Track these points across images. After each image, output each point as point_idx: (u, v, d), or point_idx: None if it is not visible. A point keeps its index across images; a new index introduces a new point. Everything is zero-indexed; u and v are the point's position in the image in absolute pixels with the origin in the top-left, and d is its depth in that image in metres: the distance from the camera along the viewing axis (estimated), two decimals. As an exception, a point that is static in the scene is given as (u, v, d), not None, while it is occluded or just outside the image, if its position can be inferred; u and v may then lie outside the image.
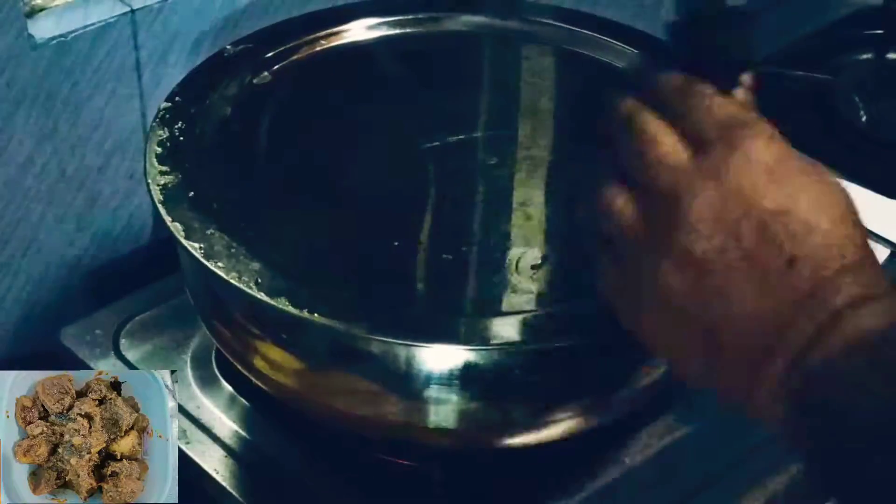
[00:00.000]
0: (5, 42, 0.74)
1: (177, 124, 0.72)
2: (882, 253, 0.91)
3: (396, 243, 0.68)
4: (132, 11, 0.80)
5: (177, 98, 0.74)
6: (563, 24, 0.84)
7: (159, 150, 0.70)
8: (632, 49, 0.81)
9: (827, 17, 1.22)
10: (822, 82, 1.11)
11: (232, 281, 0.63)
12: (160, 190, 0.67)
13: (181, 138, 0.71)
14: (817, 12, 1.22)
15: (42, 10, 0.78)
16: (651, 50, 0.81)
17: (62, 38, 0.77)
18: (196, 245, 0.64)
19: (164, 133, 0.72)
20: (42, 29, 0.77)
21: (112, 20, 0.79)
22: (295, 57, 0.80)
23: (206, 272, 0.63)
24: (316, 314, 0.61)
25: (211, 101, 0.75)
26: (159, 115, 0.73)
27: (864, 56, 1.20)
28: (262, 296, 0.62)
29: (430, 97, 0.79)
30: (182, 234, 0.65)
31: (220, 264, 0.63)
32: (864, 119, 1.08)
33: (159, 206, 0.66)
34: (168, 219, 0.66)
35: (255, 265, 0.63)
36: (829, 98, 1.10)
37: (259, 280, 0.62)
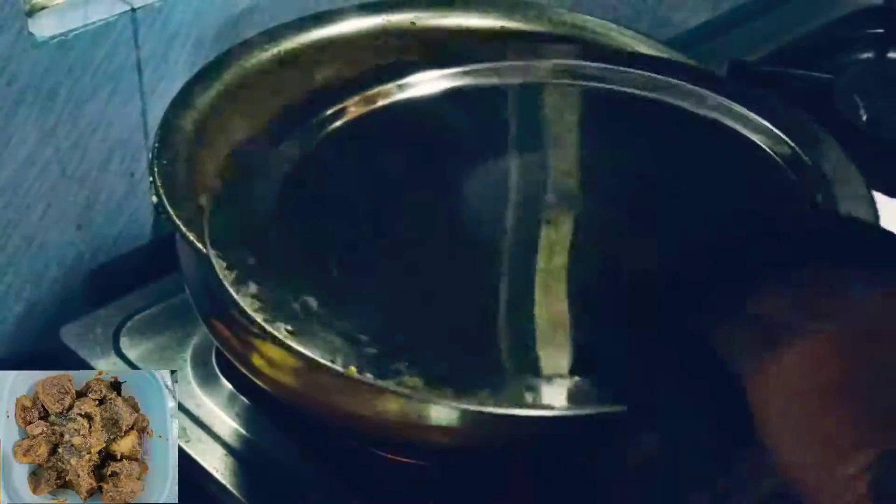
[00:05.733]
0: (6, 41, 0.74)
1: (183, 120, 0.73)
2: (882, 253, 0.91)
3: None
4: (133, 10, 0.80)
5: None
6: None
7: (164, 145, 0.71)
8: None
9: (827, 17, 1.22)
10: (822, 82, 1.11)
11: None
12: (162, 184, 0.68)
13: (185, 134, 0.72)
14: (817, 12, 1.22)
15: (43, 8, 0.78)
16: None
17: (63, 37, 0.77)
18: (197, 238, 0.64)
19: (170, 128, 0.72)
20: (43, 27, 0.77)
21: (113, 19, 0.79)
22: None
23: (205, 258, 0.63)
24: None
25: (193, 95, 0.76)
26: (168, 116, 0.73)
27: (864, 56, 1.20)
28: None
29: (489, 154, 0.75)
30: (183, 225, 0.65)
31: (220, 253, 0.63)
32: (864, 119, 1.08)
33: (162, 198, 0.67)
34: (170, 211, 0.66)
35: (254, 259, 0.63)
36: (829, 98, 1.10)
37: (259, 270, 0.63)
